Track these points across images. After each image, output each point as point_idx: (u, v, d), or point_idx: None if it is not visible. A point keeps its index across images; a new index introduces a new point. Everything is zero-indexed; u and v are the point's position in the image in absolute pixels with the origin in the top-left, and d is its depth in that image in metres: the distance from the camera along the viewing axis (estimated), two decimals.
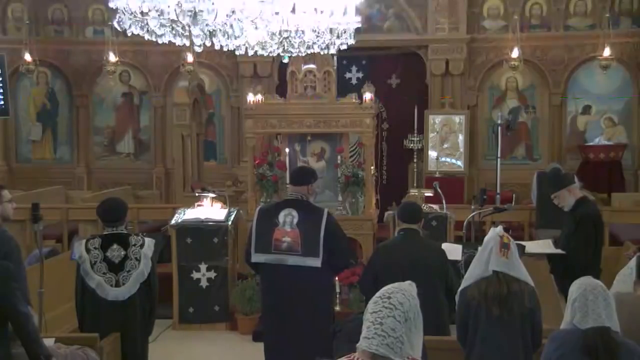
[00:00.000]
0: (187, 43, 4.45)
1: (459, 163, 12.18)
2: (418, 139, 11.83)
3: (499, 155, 8.89)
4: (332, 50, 6.10)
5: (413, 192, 9.06)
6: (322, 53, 6.33)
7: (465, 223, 6.77)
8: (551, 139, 12.69)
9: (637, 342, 3.47)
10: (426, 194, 8.40)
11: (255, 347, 6.47)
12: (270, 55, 6.15)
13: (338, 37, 5.89)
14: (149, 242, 5.10)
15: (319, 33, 5.76)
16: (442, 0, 12.28)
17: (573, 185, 6.00)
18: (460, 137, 12.19)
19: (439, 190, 7.83)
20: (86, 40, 13.40)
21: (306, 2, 5.54)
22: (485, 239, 4.16)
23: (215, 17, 4.00)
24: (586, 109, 12.60)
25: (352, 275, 7.34)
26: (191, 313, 7.66)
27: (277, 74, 12.68)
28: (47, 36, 13.34)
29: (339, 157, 8.45)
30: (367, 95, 8.18)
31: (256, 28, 4.30)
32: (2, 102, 12.14)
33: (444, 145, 12.15)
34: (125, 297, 4.99)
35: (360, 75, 12.75)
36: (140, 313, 5.07)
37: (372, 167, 8.61)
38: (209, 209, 7.90)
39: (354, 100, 8.29)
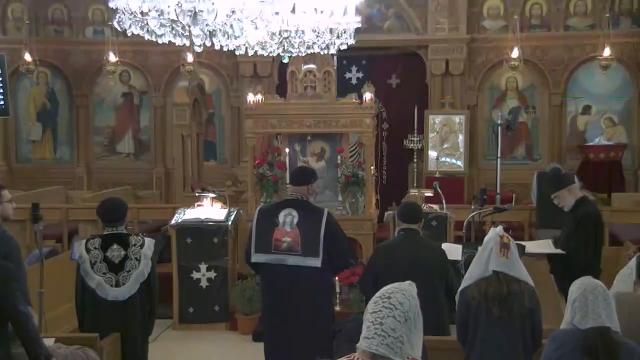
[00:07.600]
0: (187, 43, 4.45)
1: (459, 163, 12.17)
2: (418, 139, 11.82)
3: (499, 155, 8.89)
4: (332, 50, 6.10)
5: (413, 192, 9.05)
6: (322, 53, 6.33)
7: (465, 223, 6.76)
8: (551, 139, 12.69)
9: (637, 342, 3.47)
10: (426, 194, 8.39)
11: (255, 347, 6.47)
12: (270, 55, 6.15)
13: (338, 37, 5.89)
14: (149, 242, 5.09)
15: (319, 33, 5.76)
16: (442, 0, 12.28)
17: (573, 185, 6.00)
18: (460, 137, 12.19)
19: (439, 190, 7.82)
20: (86, 40, 13.40)
21: (306, 2, 5.55)
22: (485, 239, 4.15)
23: (215, 17, 4.00)
24: (586, 109, 12.60)
25: (352, 275, 7.34)
26: (191, 313, 7.66)
27: (277, 74, 12.67)
28: (47, 36, 13.34)
29: (339, 157, 8.45)
30: (367, 95, 8.18)
31: (256, 28, 4.30)
32: (2, 102, 12.14)
33: (444, 145, 12.14)
34: (125, 297, 4.98)
35: (360, 75, 12.74)
36: (140, 313, 5.07)
37: (372, 167, 8.61)
38: (209, 209, 7.90)
39: (354, 100, 8.29)
